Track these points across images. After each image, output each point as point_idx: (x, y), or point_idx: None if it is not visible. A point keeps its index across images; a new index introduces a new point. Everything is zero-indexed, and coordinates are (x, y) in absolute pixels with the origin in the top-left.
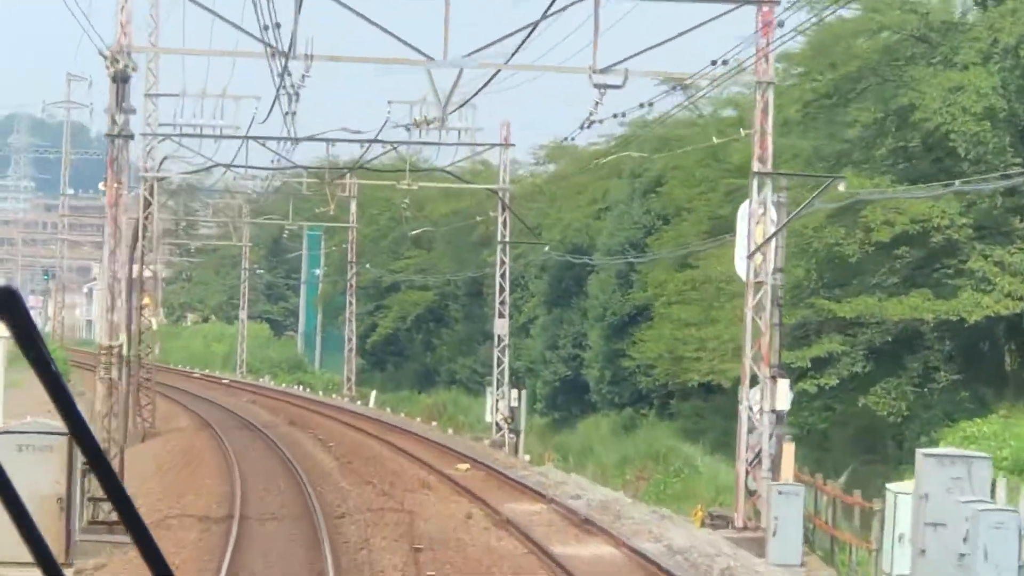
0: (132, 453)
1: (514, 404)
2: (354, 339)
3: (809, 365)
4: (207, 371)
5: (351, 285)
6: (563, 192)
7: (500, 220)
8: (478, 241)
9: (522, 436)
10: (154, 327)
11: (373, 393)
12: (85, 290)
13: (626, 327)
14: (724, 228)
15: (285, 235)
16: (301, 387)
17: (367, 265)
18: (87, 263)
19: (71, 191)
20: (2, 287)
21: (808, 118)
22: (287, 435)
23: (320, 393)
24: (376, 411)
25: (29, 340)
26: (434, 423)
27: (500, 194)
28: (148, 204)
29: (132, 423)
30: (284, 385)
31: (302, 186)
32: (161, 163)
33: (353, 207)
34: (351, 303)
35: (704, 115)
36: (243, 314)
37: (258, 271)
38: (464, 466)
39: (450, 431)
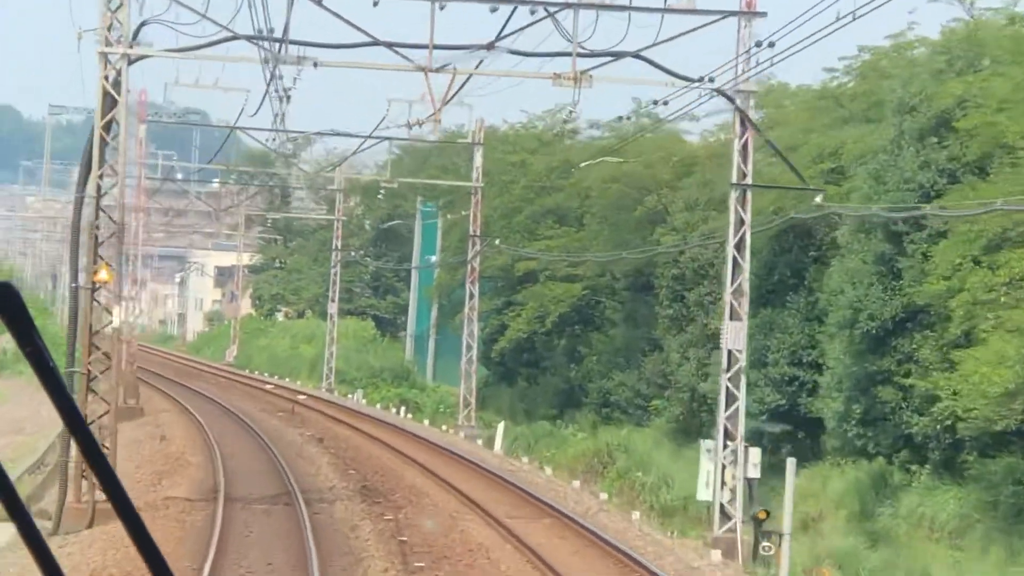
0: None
1: (753, 474)
2: (475, 345)
3: None
4: (288, 380)
5: (471, 269)
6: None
7: (737, 144)
8: (644, 217)
9: (787, 544)
10: (116, 323)
11: (501, 427)
12: (177, 279)
13: (889, 338)
14: None
15: (381, 193)
16: (403, 409)
17: (496, 241)
18: (181, 250)
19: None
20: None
21: None
22: (343, 526)
23: (427, 421)
24: (505, 459)
25: (26, 337)
26: (603, 495)
27: (737, 100)
28: (112, 103)
29: (75, 494)
30: (379, 405)
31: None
32: (137, 32)
33: (478, 158)
34: (472, 295)
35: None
36: (332, 308)
37: (364, 257)
38: None
39: (636, 515)
